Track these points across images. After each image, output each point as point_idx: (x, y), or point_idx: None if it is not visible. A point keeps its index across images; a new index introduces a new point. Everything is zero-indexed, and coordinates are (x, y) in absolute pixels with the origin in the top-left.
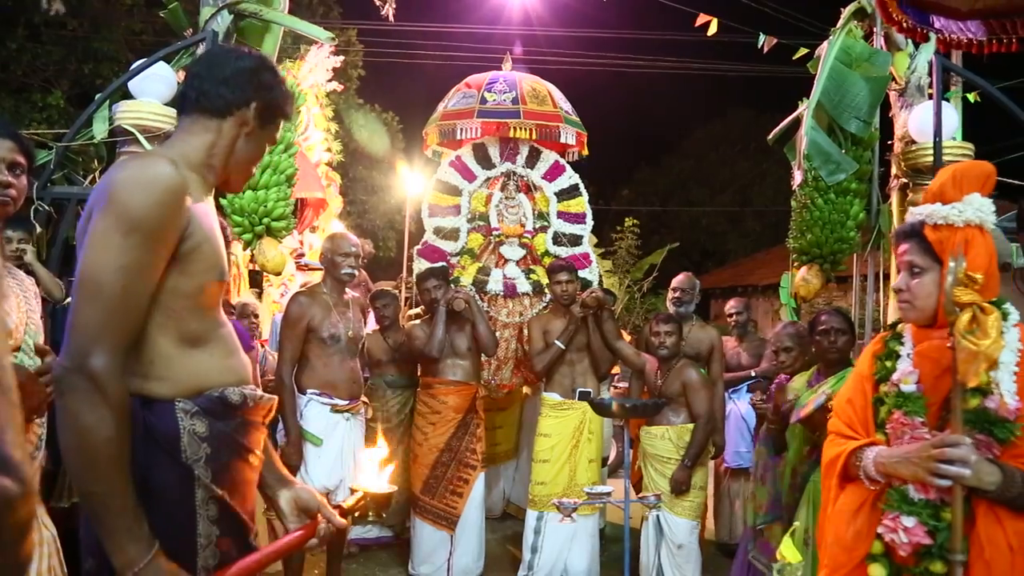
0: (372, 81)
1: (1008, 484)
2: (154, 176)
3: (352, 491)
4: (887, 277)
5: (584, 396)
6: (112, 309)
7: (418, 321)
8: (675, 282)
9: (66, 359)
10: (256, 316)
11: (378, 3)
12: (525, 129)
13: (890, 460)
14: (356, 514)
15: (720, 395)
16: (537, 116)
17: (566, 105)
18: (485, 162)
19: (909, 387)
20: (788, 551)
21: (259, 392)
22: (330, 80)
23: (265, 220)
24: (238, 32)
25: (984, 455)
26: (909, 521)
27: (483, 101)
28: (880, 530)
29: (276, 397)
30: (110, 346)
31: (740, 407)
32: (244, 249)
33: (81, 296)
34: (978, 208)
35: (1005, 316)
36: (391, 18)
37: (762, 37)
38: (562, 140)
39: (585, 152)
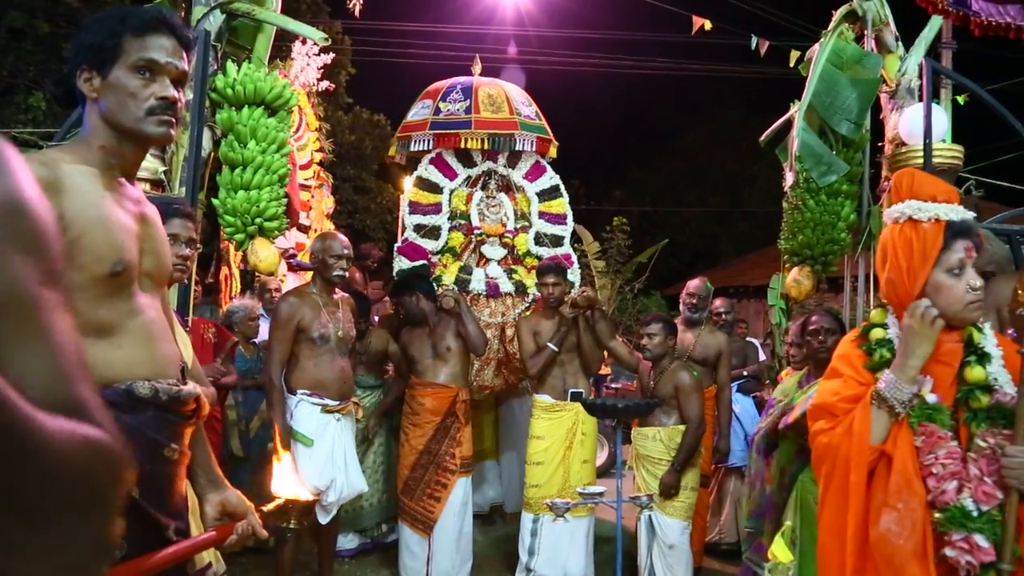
0: (363, 83)
1: None
2: None
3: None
4: (876, 278)
5: (576, 397)
6: None
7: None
8: (692, 288)
9: None
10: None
11: None
12: (476, 139)
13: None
14: (285, 524)
15: (727, 401)
16: (489, 125)
17: (526, 110)
18: (466, 160)
19: (932, 397)
20: (779, 551)
21: (176, 387)
22: (320, 80)
23: (258, 220)
24: (230, 32)
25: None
26: (983, 541)
27: (436, 112)
28: (949, 552)
29: (199, 392)
30: None
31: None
32: (236, 250)
33: None
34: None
35: None
36: (357, 14)
37: (755, 40)
38: (518, 148)
39: (553, 155)
